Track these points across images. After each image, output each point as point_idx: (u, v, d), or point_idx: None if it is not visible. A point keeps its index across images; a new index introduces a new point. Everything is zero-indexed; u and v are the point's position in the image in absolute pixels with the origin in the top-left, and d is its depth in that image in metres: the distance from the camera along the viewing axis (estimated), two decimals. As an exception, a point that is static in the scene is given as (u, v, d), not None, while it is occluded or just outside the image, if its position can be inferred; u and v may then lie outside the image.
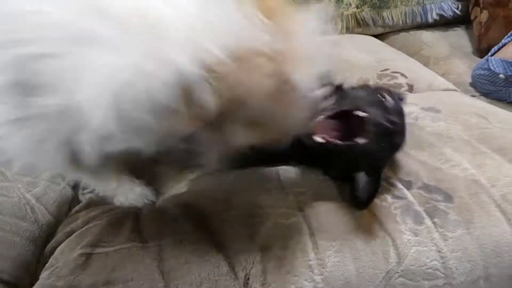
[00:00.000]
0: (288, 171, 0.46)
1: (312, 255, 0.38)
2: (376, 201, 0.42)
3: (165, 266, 0.36)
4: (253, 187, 0.44)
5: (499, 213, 0.40)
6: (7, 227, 0.43)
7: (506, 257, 0.39)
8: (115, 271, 0.36)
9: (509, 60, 0.64)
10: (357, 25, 1.01)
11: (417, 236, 0.39)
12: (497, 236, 0.39)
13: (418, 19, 1.01)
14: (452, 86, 0.74)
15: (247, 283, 0.36)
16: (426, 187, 0.44)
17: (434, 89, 0.72)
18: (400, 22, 1.01)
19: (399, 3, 1.00)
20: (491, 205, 0.41)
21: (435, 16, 0.99)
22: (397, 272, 0.38)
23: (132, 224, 0.41)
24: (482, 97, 0.72)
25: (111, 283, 0.35)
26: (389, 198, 0.43)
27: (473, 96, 0.73)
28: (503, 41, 0.70)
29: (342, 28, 1.00)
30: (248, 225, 0.40)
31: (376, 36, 1.02)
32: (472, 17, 0.94)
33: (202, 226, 0.40)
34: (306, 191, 0.44)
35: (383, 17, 1.00)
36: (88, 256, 0.37)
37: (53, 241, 0.42)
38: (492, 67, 0.67)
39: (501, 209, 0.41)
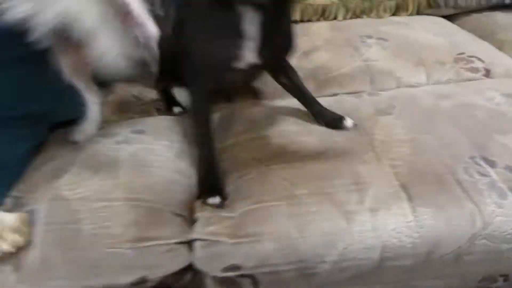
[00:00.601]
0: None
1: (411, 217, 0.47)
2: (465, 177, 0.50)
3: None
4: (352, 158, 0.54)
5: None
6: (166, 178, 0.55)
7: None
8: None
9: None
10: (428, 6, 1.02)
11: (501, 208, 0.47)
12: None
13: (494, 1, 1.00)
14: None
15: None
16: (508, 168, 0.51)
17: (512, 74, 0.75)
18: (474, 3, 1.01)
19: (475, -17, 1.00)
20: None
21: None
22: (481, 235, 0.47)
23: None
24: None
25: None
26: (476, 175, 0.50)
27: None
28: None
29: (412, 9, 1.02)
30: (354, 191, 0.50)
31: (445, 17, 1.03)
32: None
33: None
34: (400, 164, 0.52)
35: (455, -4, 1.01)
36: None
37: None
38: None
39: None
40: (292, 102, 0.67)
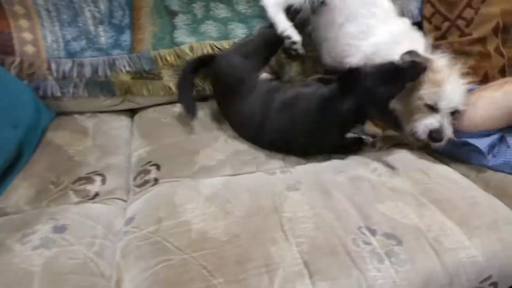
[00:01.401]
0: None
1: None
2: (353, 247, 0.61)
3: None
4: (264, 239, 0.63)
5: (432, 251, 0.61)
6: (84, 284, 0.59)
7: (435, 283, 0.59)
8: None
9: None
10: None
11: (380, 272, 0.58)
12: (431, 268, 0.59)
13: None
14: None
15: None
16: (385, 234, 0.63)
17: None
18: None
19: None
20: (427, 246, 0.61)
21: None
22: (368, 298, 0.57)
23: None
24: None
25: None
26: (361, 244, 0.62)
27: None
28: None
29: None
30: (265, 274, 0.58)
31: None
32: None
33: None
34: (303, 241, 0.62)
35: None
36: None
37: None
38: None
39: (433, 248, 0.61)
40: (210, 182, 0.75)
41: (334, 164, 0.85)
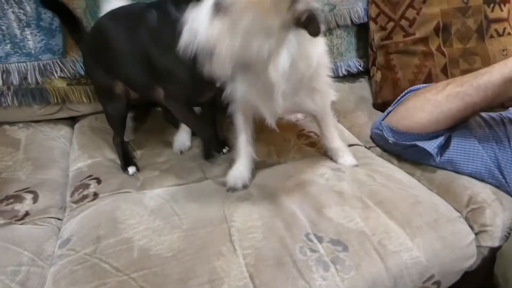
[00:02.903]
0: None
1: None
2: (300, 256, 0.60)
3: None
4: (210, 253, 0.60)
5: (376, 255, 0.61)
6: None
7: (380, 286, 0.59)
8: None
9: (394, 129, 0.84)
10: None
11: (325, 280, 0.58)
12: (375, 273, 0.59)
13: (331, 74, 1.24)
14: (356, 141, 0.95)
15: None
16: (332, 241, 0.63)
17: (342, 145, 0.93)
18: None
19: (315, 61, 1.22)
20: (372, 250, 0.61)
21: (344, 72, 1.23)
22: (315, 308, 0.56)
23: None
24: (378, 148, 0.95)
25: None
26: (308, 252, 0.61)
27: (371, 147, 0.95)
28: (389, 108, 0.92)
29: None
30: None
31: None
32: (371, 74, 1.19)
33: None
34: (250, 253, 0.60)
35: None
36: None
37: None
38: (384, 132, 0.88)
39: (378, 253, 0.61)
40: (156, 194, 0.72)
41: (284, 168, 0.83)
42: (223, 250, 0.61)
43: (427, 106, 0.79)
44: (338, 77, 1.24)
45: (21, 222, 0.67)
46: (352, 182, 0.75)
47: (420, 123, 0.80)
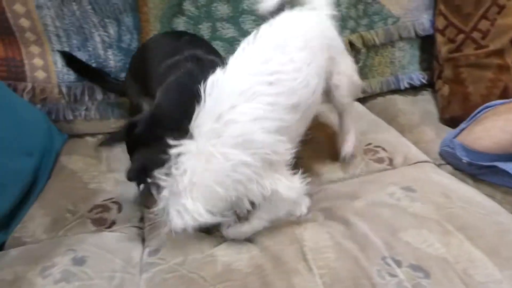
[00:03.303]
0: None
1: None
2: (378, 279, 0.59)
3: None
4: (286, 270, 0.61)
5: (462, 285, 0.58)
6: None
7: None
8: None
9: (469, 148, 0.80)
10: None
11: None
12: (460, 303, 0.57)
13: (392, 87, 1.21)
14: (424, 157, 0.92)
15: None
16: (412, 266, 0.61)
17: (409, 162, 0.89)
18: (377, 89, 1.21)
19: (375, 74, 1.20)
20: (456, 279, 0.59)
21: (406, 85, 1.20)
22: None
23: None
24: (449, 166, 0.90)
25: None
26: (387, 276, 0.60)
27: (441, 164, 0.91)
28: (462, 125, 0.88)
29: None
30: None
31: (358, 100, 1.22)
32: (436, 88, 1.14)
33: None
34: (325, 272, 0.60)
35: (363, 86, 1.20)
36: None
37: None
38: (456, 151, 0.83)
39: (464, 282, 0.58)
40: None
41: (350, 186, 0.83)
42: (299, 268, 0.62)
43: (510, 127, 0.74)
44: (400, 91, 1.21)
45: (109, 229, 0.73)
46: (428, 204, 0.72)
47: (501, 144, 0.76)
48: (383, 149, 0.93)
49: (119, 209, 0.78)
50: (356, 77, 0.86)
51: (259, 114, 0.62)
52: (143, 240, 0.73)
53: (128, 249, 0.69)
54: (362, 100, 1.21)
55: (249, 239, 0.68)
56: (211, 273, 0.62)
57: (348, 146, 0.87)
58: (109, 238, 0.71)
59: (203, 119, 0.63)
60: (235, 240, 0.68)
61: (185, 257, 0.66)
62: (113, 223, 0.75)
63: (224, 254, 0.66)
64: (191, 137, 0.63)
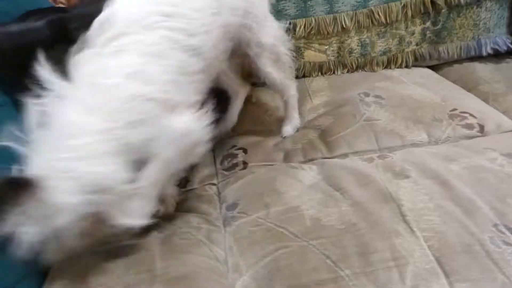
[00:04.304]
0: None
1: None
2: (492, 247, 0.53)
3: None
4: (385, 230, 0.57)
5: None
6: (203, 265, 0.55)
7: None
8: None
9: None
10: (414, 59, 1.11)
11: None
12: None
13: (472, 53, 1.10)
14: (517, 127, 0.84)
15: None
16: (528, 233, 0.55)
17: (503, 130, 0.82)
18: (455, 55, 1.11)
19: (455, 38, 1.10)
20: None
21: (489, 50, 1.09)
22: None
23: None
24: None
25: None
26: (501, 244, 0.54)
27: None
28: None
29: (401, 62, 1.10)
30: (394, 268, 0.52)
31: (429, 67, 1.13)
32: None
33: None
34: (431, 236, 0.55)
35: (439, 51, 1.10)
36: None
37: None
38: None
39: None
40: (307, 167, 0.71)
41: (439, 150, 0.76)
42: (399, 229, 0.57)
43: None
44: (480, 57, 1.11)
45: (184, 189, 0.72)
46: (536, 171, 0.65)
47: None
48: (471, 115, 0.86)
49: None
50: (283, 51, 0.78)
51: (156, 49, 0.54)
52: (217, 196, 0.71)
53: (205, 205, 0.67)
54: (436, 67, 1.12)
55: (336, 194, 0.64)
56: (301, 228, 0.58)
57: (286, 130, 0.84)
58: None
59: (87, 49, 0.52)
60: (317, 194, 0.64)
61: (267, 210, 0.63)
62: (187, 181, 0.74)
63: (308, 207, 0.62)
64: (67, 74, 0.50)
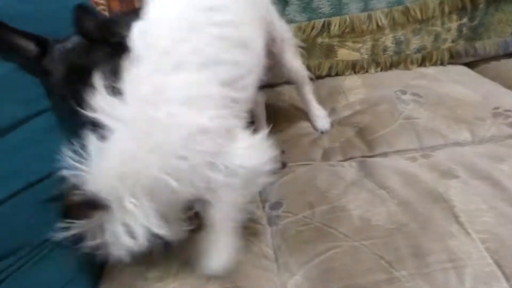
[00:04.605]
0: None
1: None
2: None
3: None
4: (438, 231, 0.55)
5: None
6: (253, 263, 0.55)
7: None
8: None
9: None
10: (450, 56, 1.08)
11: None
12: None
13: (511, 49, 1.07)
14: None
15: None
16: None
17: (552, 129, 0.79)
18: (492, 52, 1.07)
19: (492, 34, 1.06)
20: None
21: (523, 47, 1.05)
22: None
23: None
24: None
25: None
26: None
27: None
28: None
29: (436, 59, 1.07)
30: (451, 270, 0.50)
31: (465, 64, 1.09)
32: None
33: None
34: (487, 237, 0.54)
35: (475, 48, 1.07)
36: None
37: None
38: None
39: None
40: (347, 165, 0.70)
41: (486, 150, 0.74)
42: (453, 231, 0.56)
43: None
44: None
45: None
46: None
47: None
48: (516, 113, 0.82)
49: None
50: (298, 43, 0.81)
51: (209, 52, 0.47)
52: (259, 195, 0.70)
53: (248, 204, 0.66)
54: (471, 65, 1.09)
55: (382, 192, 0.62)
56: (350, 227, 0.58)
57: (322, 123, 0.84)
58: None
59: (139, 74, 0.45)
60: (362, 194, 0.62)
61: (312, 210, 0.62)
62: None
63: (354, 206, 0.61)
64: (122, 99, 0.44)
